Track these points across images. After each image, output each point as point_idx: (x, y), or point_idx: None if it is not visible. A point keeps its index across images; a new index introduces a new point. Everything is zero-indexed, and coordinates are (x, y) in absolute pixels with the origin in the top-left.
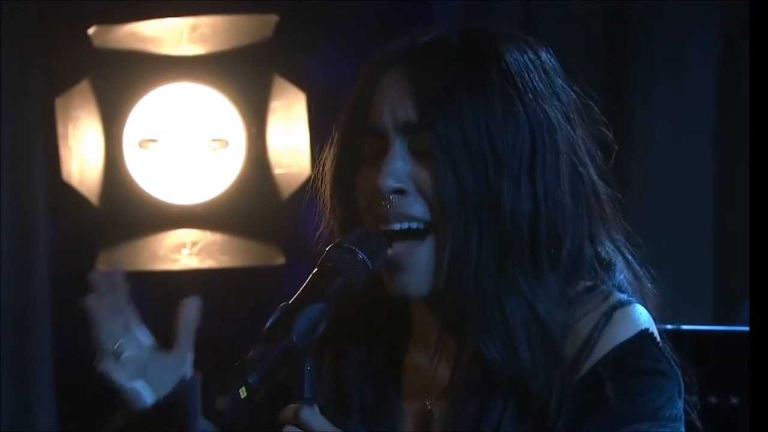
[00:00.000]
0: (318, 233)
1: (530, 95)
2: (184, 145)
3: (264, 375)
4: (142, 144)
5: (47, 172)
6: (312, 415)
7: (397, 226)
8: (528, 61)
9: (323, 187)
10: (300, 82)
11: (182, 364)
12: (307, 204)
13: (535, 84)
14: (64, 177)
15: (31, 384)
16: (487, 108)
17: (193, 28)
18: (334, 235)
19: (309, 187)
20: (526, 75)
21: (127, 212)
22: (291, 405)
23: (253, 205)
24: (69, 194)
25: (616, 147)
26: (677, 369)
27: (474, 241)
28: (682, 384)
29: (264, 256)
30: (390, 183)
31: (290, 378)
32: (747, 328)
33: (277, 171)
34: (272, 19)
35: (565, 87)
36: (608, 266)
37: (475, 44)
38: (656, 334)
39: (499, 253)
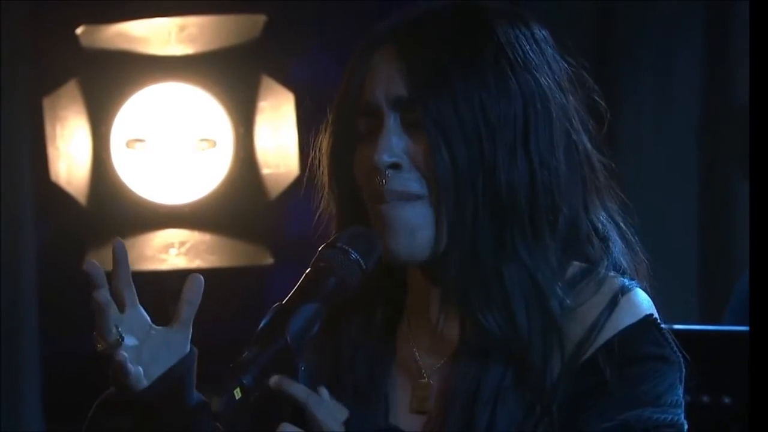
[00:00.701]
0: (315, 225)
1: (521, 64)
2: (172, 145)
3: (258, 376)
4: (130, 144)
5: (34, 172)
6: (319, 404)
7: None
8: (519, 32)
9: (320, 169)
10: (288, 82)
11: (182, 339)
12: (295, 204)
13: (526, 54)
14: (51, 177)
15: (18, 383)
16: (478, 79)
17: (181, 28)
18: (332, 219)
19: (298, 185)
20: (517, 45)
21: (114, 212)
22: (302, 387)
23: (241, 205)
24: (56, 194)
25: (608, 115)
26: (680, 355)
27: (469, 211)
28: (684, 370)
29: (252, 256)
30: (385, 158)
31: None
32: (740, 328)
33: (265, 171)
34: (260, 19)
35: (557, 57)
36: (604, 240)
37: (465, 17)
38: (659, 319)
39: (498, 223)
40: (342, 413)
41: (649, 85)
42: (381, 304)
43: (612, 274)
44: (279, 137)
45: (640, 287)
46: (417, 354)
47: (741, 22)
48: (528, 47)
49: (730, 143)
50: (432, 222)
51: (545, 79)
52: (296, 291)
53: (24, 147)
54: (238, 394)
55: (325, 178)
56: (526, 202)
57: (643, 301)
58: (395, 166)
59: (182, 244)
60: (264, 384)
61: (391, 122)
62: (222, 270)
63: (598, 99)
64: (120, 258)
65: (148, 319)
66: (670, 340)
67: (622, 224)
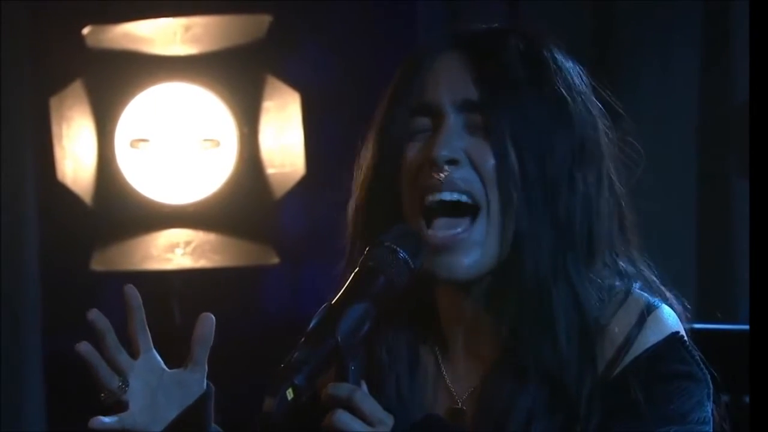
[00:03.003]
0: (342, 225)
1: (576, 92)
2: (176, 145)
3: (310, 376)
4: (134, 144)
5: (40, 172)
6: (364, 398)
7: (447, 196)
8: (571, 66)
9: (364, 169)
10: (293, 82)
11: (198, 379)
12: (300, 203)
13: (578, 86)
14: (58, 177)
15: (21, 385)
16: (545, 98)
17: (187, 28)
18: (368, 223)
19: (303, 184)
20: (573, 76)
21: (119, 212)
22: (345, 385)
23: (246, 204)
24: (62, 193)
25: (642, 160)
26: (706, 372)
27: (531, 225)
28: (711, 387)
29: (257, 255)
30: (445, 153)
31: (335, 378)
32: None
33: (270, 171)
34: (265, 19)
35: (598, 104)
36: (627, 276)
37: (527, 40)
38: (685, 336)
39: (553, 240)
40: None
41: (647, 84)
42: (409, 328)
43: (637, 290)
44: (284, 137)
45: (666, 304)
46: (448, 379)
47: (740, 21)
48: (578, 81)
49: (730, 143)
50: (491, 236)
51: (598, 116)
52: (345, 291)
53: (30, 146)
54: (290, 394)
55: (369, 178)
56: (580, 224)
57: (669, 318)
58: (453, 162)
59: (187, 243)
60: (316, 384)
61: (452, 122)
62: (227, 270)
63: (632, 142)
64: (133, 304)
65: (162, 362)
66: (697, 358)
67: (645, 270)
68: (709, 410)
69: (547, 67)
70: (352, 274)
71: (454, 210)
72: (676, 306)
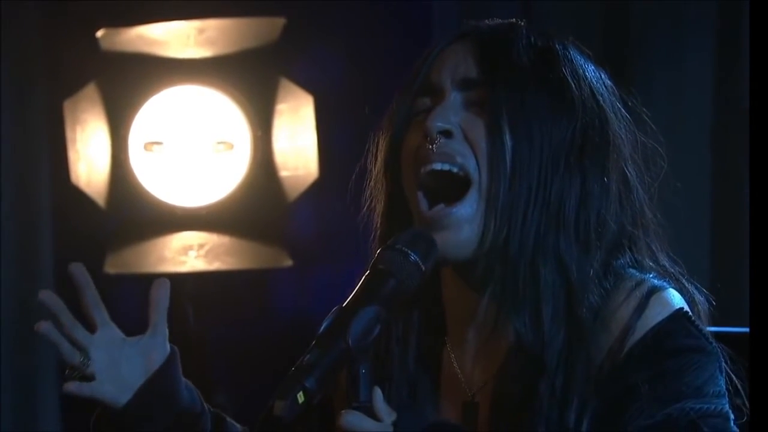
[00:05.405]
0: (360, 220)
1: (586, 83)
2: (190, 148)
3: (321, 379)
4: (148, 146)
5: (53, 175)
6: (353, 418)
7: (438, 166)
8: (590, 68)
9: (378, 159)
10: (307, 85)
11: (160, 343)
12: (314, 206)
13: (592, 82)
14: (72, 180)
15: (35, 388)
16: (547, 82)
17: (201, 31)
18: (380, 215)
19: (317, 187)
20: (588, 72)
21: (133, 215)
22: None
23: (260, 207)
24: (76, 196)
25: (665, 165)
26: (716, 345)
27: (521, 204)
28: (722, 360)
29: (270, 258)
30: (439, 123)
31: (346, 381)
32: None
33: (283, 173)
34: (279, 22)
35: (621, 109)
36: (643, 269)
37: (543, 33)
38: (691, 313)
39: (543, 221)
40: (390, 415)
41: (660, 86)
42: (419, 322)
43: (649, 279)
44: (297, 140)
45: (672, 287)
46: (460, 372)
47: None
48: (595, 80)
49: (743, 144)
50: (481, 213)
51: (610, 112)
52: (355, 293)
53: (43, 150)
54: (301, 398)
55: (381, 168)
56: (576, 211)
57: (673, 298)
58: (447, 133)
59: (201, 246)
60: (326, 387)
61: (452, 98)
62: (240, 272)
63: (658, 148)
64: (82, 282)
65: (121, 333)
66: (705, 332)
67: (668, 266)
68: (723, 384)
69: (554, 55)
70: (363, 277)
71: (448, 177)
72: (701, 304)
